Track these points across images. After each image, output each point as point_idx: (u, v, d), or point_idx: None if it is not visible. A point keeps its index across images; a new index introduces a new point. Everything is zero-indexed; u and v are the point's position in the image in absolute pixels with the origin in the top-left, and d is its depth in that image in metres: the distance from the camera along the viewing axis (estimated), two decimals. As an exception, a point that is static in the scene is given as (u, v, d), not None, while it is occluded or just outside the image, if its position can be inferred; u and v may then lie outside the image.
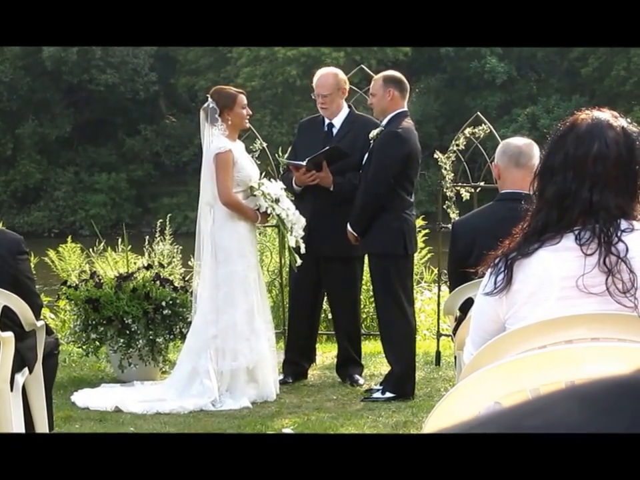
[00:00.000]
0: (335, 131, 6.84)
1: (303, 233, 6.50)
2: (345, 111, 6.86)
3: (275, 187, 6.52)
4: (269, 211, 6.48)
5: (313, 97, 6.88)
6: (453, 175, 7.55)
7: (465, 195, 7.50)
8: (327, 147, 6.65)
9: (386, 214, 6.43)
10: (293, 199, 6.77)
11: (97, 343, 7.00)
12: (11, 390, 4.64)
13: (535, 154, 4.35)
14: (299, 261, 6.47)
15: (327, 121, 6.86)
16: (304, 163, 6.62)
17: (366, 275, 7.40)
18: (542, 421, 0.74)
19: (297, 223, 6.49)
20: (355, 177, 6.65)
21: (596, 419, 0.73)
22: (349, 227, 6.52)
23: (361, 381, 6.92)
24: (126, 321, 6.80)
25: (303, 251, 6.48)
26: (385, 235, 6.43)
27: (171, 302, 6.87)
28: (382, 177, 6.37)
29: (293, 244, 6.47)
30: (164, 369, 7.00)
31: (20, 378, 4.76)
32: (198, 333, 6.44)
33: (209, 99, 6.50)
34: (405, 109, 6.55)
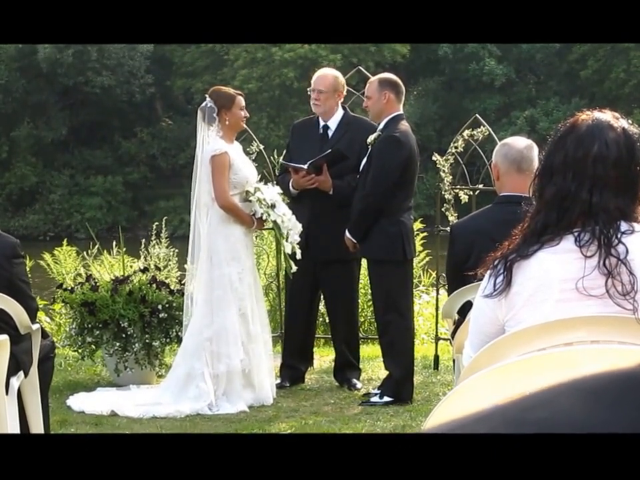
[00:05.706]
0: (330, 133, 6.80)
1: (299, 239, 6.46)
2: (339, 112, 6.82)
3: (271, 192, 6.48)
4: (264, 217, 6.45)
5: (308, 92, 6.84)
6: (451, 177, 7.52)
7: (464, 198, 7.47)
8: (329, 150, 6.58)
9: (384, 218, 6.39)
10: (289, 201, 6.73)
11: (93, 347, 6.97)
12: (6, 393, 4.61)
13: (535, 157, 4.32)
14: (294, 267, 6.43)
15: (322, 123, 6.81)
16: (305, 166, 6.57)
17: (363, 279, 7.37)
18: (546, 414, 0.73)
19: (293, 228, 6.45)
20: (353, 179, 6.61)
21: (600, 411, 0.73)
22: (347, 234, 6.47)
23: (359, 384, 6.89)
24: (122, 325, 6.77)
25: (298, 256, 6.43)
26: (383, 241, 6.39)
27: (167, 305, 6.84)
28: (382, 182, 6.33)
29: (288, 250, 6.43)
30: (160, 373, 6.97)
31: (15, 381, 4.74)
32: (193, 335, 6.42)
33: (207, 99, 6.48)
34: (401, 111, 6.52)
